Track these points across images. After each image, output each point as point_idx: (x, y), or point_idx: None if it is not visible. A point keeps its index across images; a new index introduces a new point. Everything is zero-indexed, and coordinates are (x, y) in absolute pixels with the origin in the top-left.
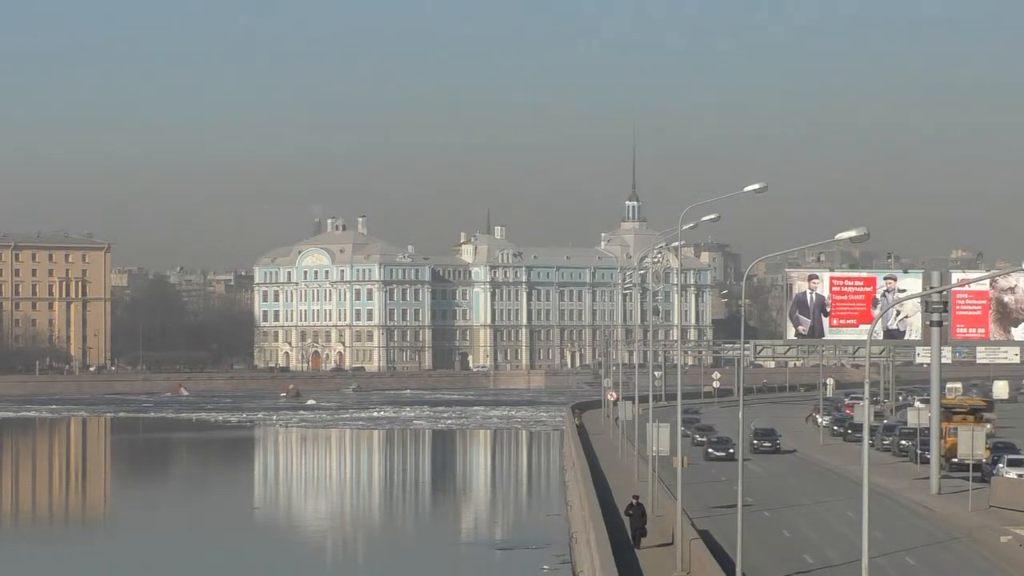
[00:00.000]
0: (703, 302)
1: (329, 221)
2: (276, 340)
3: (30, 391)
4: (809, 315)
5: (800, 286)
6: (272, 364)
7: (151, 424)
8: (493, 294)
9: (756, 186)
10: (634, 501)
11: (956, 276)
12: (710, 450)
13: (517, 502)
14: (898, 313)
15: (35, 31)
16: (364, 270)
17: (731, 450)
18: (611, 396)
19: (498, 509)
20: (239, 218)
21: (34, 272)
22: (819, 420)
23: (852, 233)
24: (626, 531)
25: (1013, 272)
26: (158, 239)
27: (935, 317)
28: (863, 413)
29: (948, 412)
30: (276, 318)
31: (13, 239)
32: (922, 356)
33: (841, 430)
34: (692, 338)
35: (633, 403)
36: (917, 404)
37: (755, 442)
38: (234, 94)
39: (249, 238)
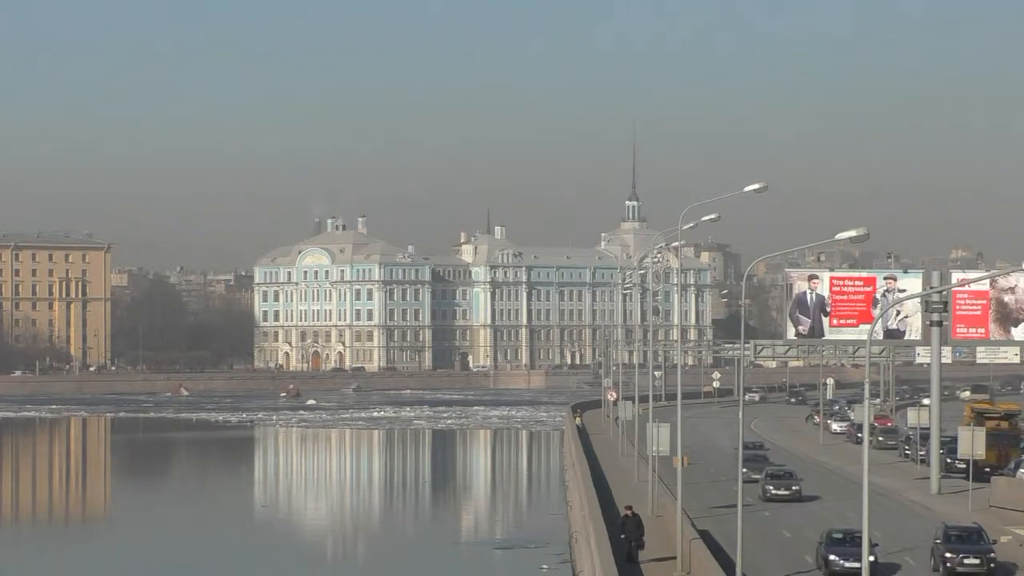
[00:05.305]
0: (703, 302)
1: (329, 221)
2: (276, 340)
3: (30, 391)
4: (809, 315)
5: (800, 286)
6: (272, 364)
7: (151, 424)
8: (493, 294)
9: (756, 186)
10: (628, 512)
11: (956, 276)
12: (831, 557)
13: (517, 502)
14: (898, 313)
15: (35, 30)
16: (364, 270)
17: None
18: (611, 396)
19: (498, 509)
20: (239, 218)
21: (34, 272)
22: (831, 425)
23: (852, 233)
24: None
25: (1013, 272)
26: (158, 239)
27: (935, 317)
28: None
29: (980, 417)
30: (276, 318)
31: (13, 239)
32: (922, 356)
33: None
34: (692, 338)
35: (633, 403)
36: (965, 396)
37: (948, 556)
38: (234, 94)
39: (249, 238)
